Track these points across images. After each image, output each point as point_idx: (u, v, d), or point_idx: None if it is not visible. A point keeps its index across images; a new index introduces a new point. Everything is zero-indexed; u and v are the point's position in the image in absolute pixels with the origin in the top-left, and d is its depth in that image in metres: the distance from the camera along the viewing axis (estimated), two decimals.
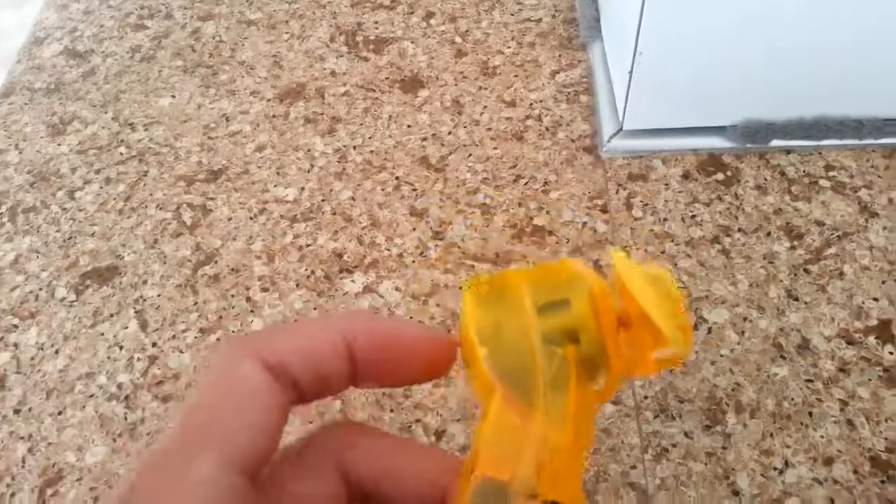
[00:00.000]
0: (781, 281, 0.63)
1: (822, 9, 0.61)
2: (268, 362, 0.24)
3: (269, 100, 0.82)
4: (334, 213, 0.71)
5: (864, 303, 0.61)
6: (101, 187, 0.76)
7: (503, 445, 0.23)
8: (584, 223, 0.68)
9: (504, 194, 0.71)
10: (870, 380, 0.57)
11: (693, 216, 0.68)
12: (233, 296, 0.66)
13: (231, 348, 0.24)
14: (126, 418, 0.60)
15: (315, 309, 0.64)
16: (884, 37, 0.63)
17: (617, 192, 0.70)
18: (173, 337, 0.64)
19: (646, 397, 0.57)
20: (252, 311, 0.65)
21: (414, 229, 0.69)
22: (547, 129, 0.76)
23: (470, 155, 0.74)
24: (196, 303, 0.66)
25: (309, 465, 0.25)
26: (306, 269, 0.67)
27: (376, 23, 0.90)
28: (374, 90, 0.82)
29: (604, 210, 0.69)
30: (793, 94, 0.68)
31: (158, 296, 0.67)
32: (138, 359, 0.63)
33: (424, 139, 0.76)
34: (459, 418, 0.57)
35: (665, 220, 0.68)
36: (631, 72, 0.66)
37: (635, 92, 0.68)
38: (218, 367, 0.24)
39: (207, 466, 0.21)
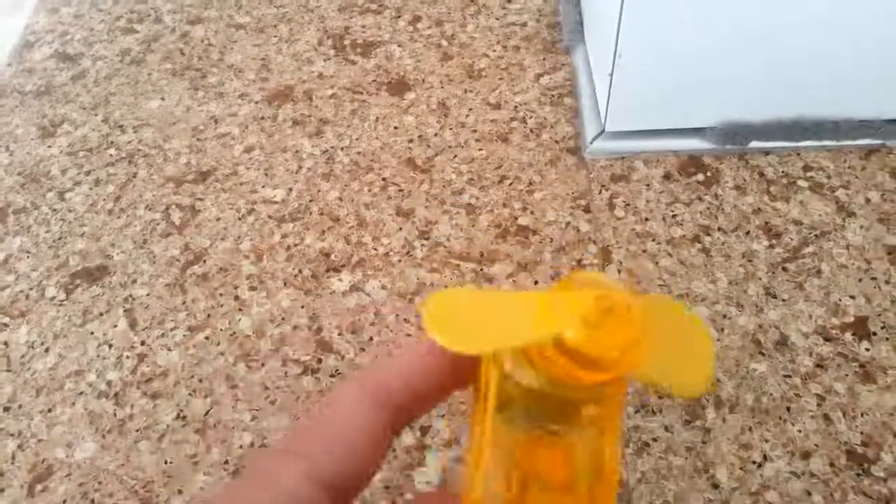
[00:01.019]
0: (760, 279, 0.64)
1: (799, 12, 0.62)
2: (373, 390, 0.25)
3: (257, 102, 0.83)
4: (322, 214, 0.72)
5: (840, 300, 0.62)
6: (91, 188, 0.77)
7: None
8: (568, 223, 0.69)
9: (489, 195, 0.72)
10: (846, 375, 0.58)
11: (674, 216, 0.69)
12: (221, 294, 0.67)
13: (343, 380, 0.26)
14: (115, 415, 0.61)
15: (302, 307, 0.65)
16: (859, 39, 0.64)
17: (600, 193, 0.71)
18: (162, 335, 0.65)
19: (627, 393, 0.58)
20: (240, 310, 0.66)
21: (400, 229, 0.70)
22: (531, 130, 0.77)
23: (455, 156, 0.75)
24: (185, 302, 0.67)
25: None
26: (294, 269, 0.68)
27: (363, 27, 0.91)
28: (362, 93, 0.83)
29: (587, 210, 0.70)
30: (770, 95, 0.69)
31: (147, 295, 0.68)
32: (127, 356, 0.64)
33: (411, 141, 0.77)
34: (444, 414, 0.58)
35: (647, 219, 0.69)
36: (612, 74, 0.67)
37: (616, 94, 0.69)
38: (328, 396, 0.26)
39: (293, 476, 0.22)
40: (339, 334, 0.63)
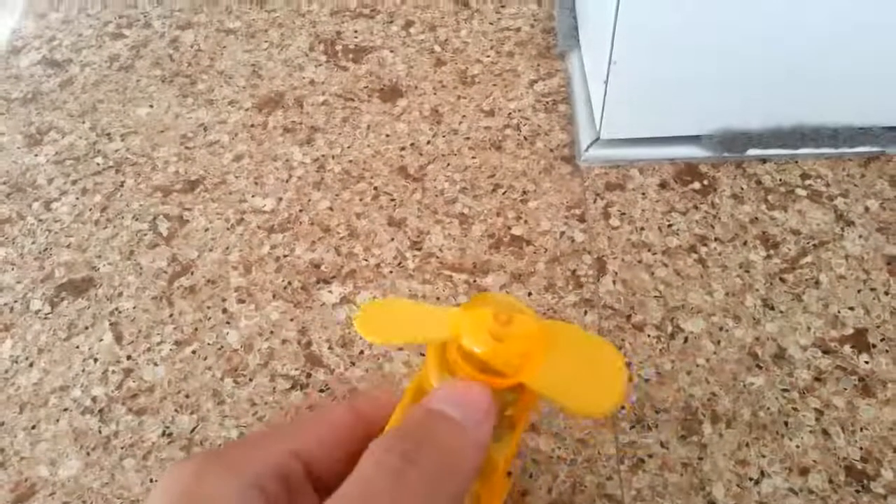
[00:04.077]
0: (757, 290, 0.63)
1: (799, 18, 0.61)
2: (357, 410, 0.33)
3: (247, 109, 0.82)
4: (312, 224, 0.71)
5: (839, 312, 0.61)
6: (78, 198, 0.75)
7: None
8: (562, 233, 0.68)
9: (482, 204, 0.71)
10: (845, 389, 0.57)
11: (670, 225, 0.68)
12: (209, 307, 0.66)
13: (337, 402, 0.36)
14: (100, 432, 0.59)
15: (292, 320, 0.64)
16: (858, 45, 0.63)
17: (595, 202, 0.70)
18: (148, 349, 0.64)
19: (622, 408, 0.57)
20: (228, 323, 0.64)
21: (392, 239, 0.69)
22: (525, 138, 0.76)
23: (448, 164, 0.74)
24: (172, 315, 0.66)
25: None
26: (283, 280, 0.67)
27: (356, 32, 0.90)
28: (353, 99, 0.82)
29: (581, 219, 0.69)
30: (769, 102, 0.68)
31: (134, 308, 0.66)
32: (113, 371, 0.63)
33: (403, 149, 0.76)
34: None
35: (642, 229, 0.68)
36: (606, 81, 0.66)
37: (611, 101, 0.68)
38: (323, 404, 0.35)
39: (280, 451, 0.29)
40: (329, 348, 0.62)
